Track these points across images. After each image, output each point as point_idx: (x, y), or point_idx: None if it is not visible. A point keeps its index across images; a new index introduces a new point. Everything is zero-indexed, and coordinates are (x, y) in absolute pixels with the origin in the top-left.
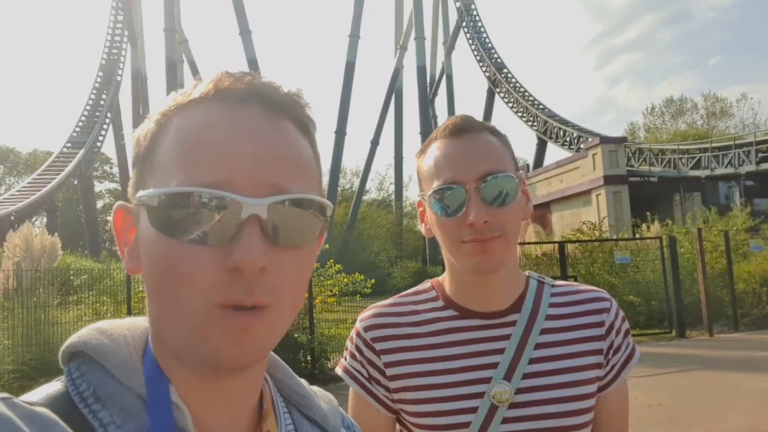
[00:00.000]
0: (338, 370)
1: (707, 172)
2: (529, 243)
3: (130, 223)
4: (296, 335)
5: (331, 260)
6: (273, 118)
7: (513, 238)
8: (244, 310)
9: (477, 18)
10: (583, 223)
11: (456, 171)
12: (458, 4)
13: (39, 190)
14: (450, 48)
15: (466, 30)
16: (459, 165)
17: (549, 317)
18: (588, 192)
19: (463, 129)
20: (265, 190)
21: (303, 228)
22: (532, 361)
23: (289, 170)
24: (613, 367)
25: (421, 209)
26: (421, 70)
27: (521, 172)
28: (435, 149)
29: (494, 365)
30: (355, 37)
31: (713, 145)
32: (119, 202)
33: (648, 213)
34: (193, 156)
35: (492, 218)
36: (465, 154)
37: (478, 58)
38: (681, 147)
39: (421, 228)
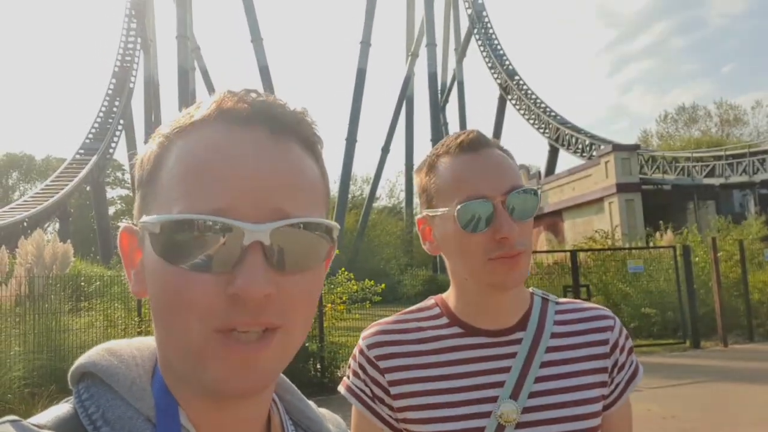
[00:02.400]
0: (341, 389)
1: (721, 180)
2: (540, 252)
3: (135, 245)
4: (306, 344)
5: (343, 268)
6: (278, 140)
7: (531, 252)
8: (250, 336)
9: (488, 25)
10: (596, 231)
11: (481, 185)
12: (469, 11)
13: (52, 197)
14: (461, 55)
15: (477, 37)
16: (484, 179)
17: (554, 335)
18: (600, 200)
19: (479, 144)
20: (268, 215)
21: (309, 252)
22: (538, 380)
23: (293, 194)
24: (617, 385)
25: (423, 227)
26: (432, 77)
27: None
28: (450, 164)
29: (500, 384)
30: (366, 44)
31: (727, 152)
32: (124, 225)
33: (661, 221)
34: (195, 182)
35: (518, 232)
36: (488, 169)
37: (489, 65)
38: (695, 155)
39: (425, 246)
